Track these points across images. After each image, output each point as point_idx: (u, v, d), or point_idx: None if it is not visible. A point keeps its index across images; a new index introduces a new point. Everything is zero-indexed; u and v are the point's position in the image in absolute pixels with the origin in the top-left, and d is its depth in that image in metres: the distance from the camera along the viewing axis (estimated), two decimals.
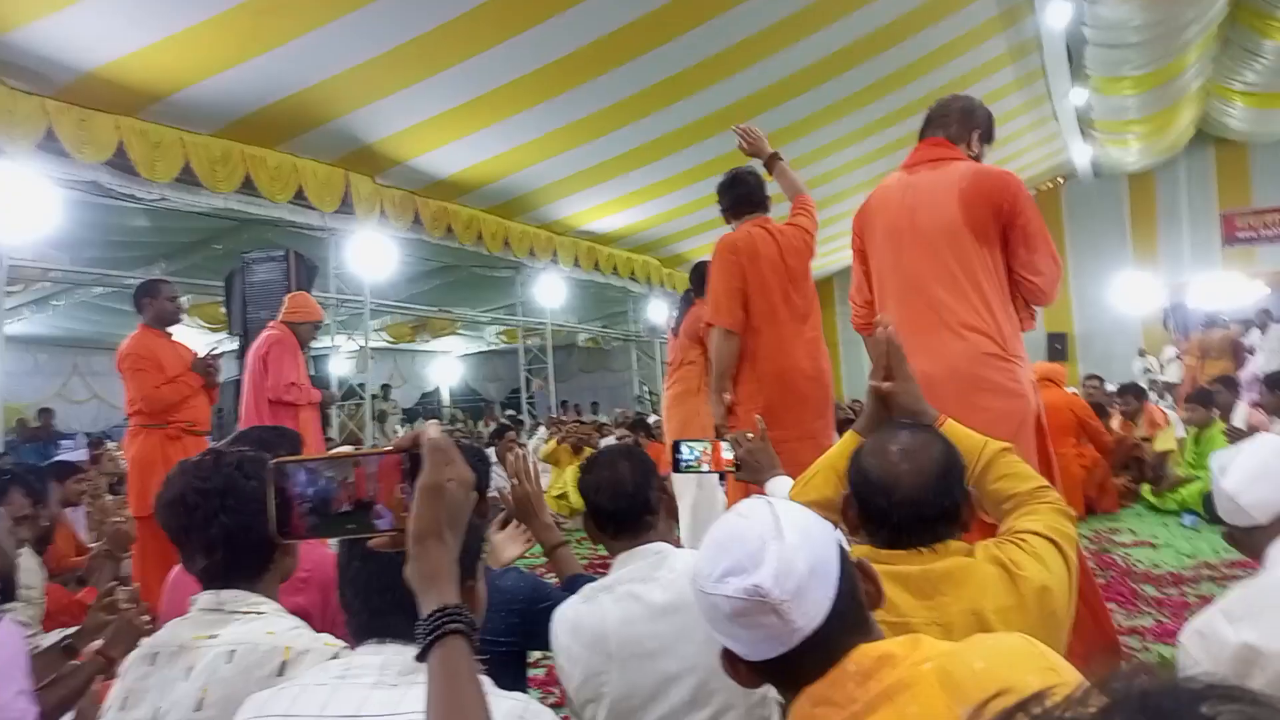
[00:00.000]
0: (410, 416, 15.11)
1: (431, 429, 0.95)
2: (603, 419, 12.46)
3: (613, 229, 11.58)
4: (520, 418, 12.56)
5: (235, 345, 7.37)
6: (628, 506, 1.77)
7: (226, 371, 5.69)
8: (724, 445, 2.20)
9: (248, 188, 7.13)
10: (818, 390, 3.44)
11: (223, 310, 8.21)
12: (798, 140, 9.49)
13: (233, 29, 5.73)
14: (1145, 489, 6.09)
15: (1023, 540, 1.46)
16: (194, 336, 10.32)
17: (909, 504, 1.38)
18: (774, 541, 1.01)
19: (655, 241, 12.34)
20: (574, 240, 11.36)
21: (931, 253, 2.55)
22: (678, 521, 4.09)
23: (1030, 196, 2.59)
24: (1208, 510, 4.98)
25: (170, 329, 4.50)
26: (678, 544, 1.84)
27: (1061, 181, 15.74)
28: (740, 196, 3.57)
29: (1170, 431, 6.45)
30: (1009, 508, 1.60)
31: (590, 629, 1.67)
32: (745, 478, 2.20)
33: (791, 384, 3.36)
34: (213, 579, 1.48)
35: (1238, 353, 8.66)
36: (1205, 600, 1.54)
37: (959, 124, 2.74)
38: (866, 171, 11.51)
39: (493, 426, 12.28)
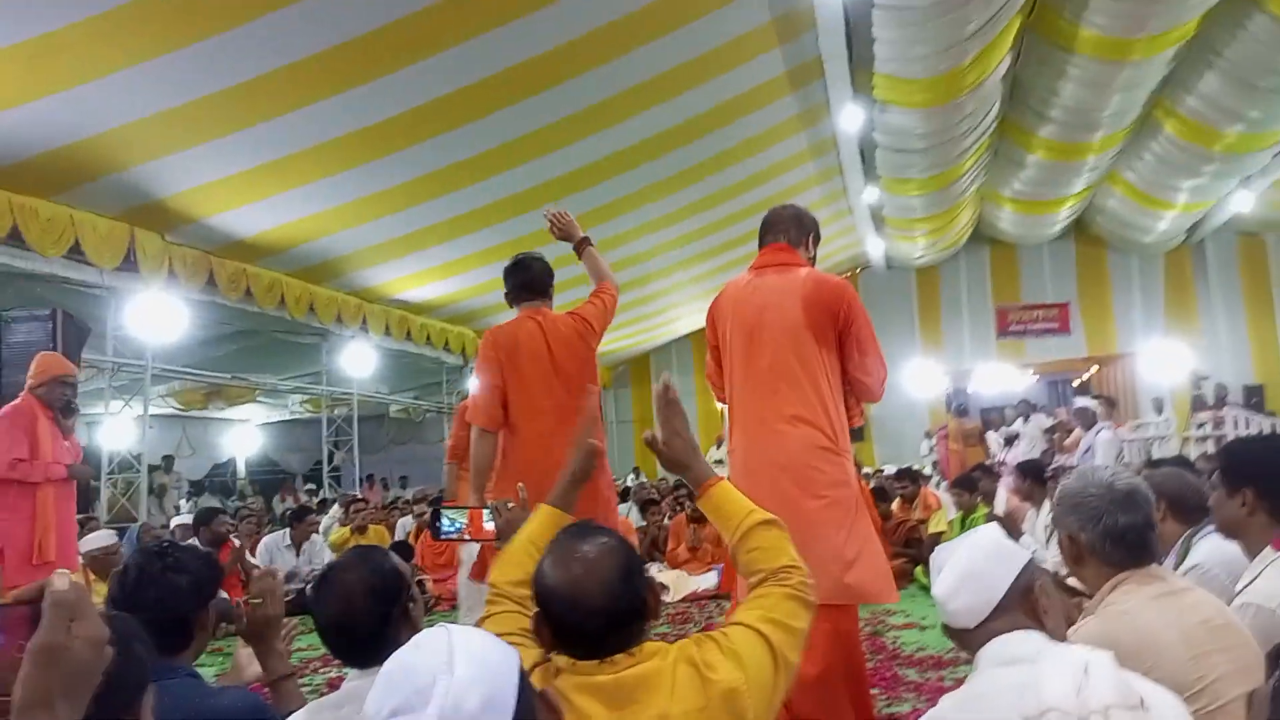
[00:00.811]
0: (198, 490, 14.05)
1: (59, 580, 0.82)
2: (409, 494, 12.05)
3: (426, 299, 11.36)
4: (323, 494, 11.92)
5: None
6: (360, 647, 1.68)
7: None
8: (484, 514, 2.19)
9: (15, 239, 6.53)
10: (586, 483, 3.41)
11: None
12: (610, 221, 9.71)
13: (3, 71, 5.30)
14: (919, 571, 6.41)
15: (725, 635, 1.46)
16: None
17: (600, 614, 1.34)
18: (444, 676, 0.97)
19: (470, 313, 12.21)
20: (385, 308, 11.06)
21: (776, 350, 2.75)
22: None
23: (862, 304, 2.83)
24: None
25: None
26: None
27: (858, 271, 16.86)
28: (521, 283, 3.50)
29: (943, 513, 6.88)
30: (753, 582, 1.61)
31: None
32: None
33: (552, 479, 3.27)
34: None
35: (983, 441, 9.59)
36: (960, 684, 1.57)
37: (794, 229, 2.97)
38: (677, 254, 11.91)
39: (290, 502, 11.60)
